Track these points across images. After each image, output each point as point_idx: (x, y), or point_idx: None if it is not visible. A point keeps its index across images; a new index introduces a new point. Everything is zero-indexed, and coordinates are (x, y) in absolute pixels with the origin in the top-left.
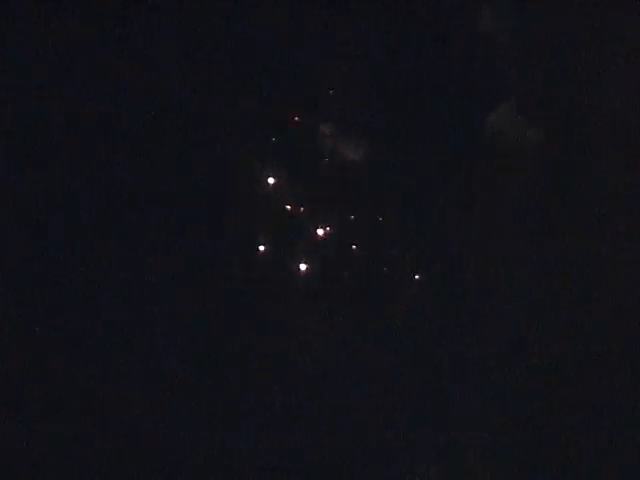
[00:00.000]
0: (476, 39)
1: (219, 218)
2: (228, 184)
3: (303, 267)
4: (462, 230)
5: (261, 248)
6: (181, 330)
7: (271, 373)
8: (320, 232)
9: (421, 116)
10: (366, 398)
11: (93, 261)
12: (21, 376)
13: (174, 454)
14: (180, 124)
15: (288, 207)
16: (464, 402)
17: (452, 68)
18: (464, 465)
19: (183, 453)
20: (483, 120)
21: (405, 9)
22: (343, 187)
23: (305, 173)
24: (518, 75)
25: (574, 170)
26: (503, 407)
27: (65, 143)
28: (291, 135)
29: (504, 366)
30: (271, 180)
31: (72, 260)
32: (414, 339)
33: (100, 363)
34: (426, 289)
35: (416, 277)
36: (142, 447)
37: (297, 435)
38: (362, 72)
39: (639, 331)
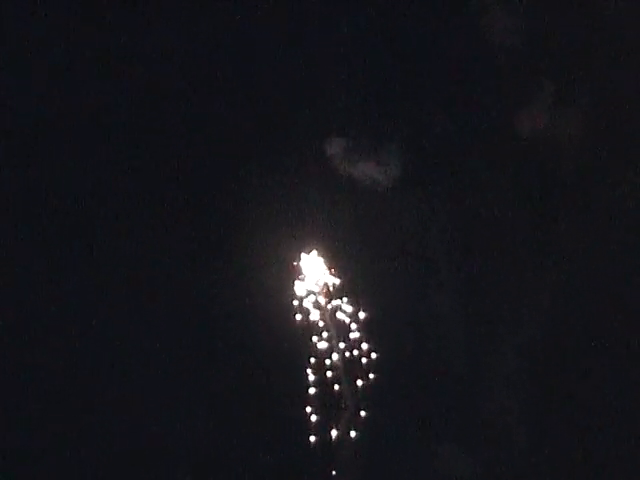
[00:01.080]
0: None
1: (219, 218)
2: (227, 184)
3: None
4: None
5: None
6: (181, 330)
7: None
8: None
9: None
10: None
11: (93, 260)
12: (21, 376)
13: (174, 453)
14: (180, 124)
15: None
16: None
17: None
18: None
19: (185, 451)
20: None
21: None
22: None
23: (307, 175)
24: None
25: (574, 169)
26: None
27: (65, 143)
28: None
29: (520, 365)
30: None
31: (72, 259)
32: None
33: (100, 363)
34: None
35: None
36: (143, 446)
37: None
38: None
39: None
